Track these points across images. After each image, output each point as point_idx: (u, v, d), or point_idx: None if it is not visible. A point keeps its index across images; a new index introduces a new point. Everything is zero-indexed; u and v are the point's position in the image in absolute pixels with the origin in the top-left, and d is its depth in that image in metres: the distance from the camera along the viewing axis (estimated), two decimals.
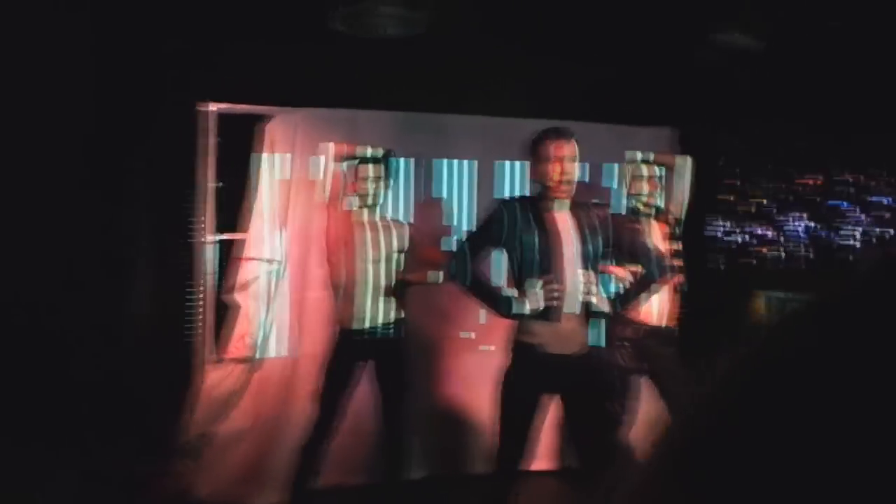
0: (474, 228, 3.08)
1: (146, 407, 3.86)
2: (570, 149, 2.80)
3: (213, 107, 3.88)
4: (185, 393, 3.83)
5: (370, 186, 3.31)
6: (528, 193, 3.13)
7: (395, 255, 3.35)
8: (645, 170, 3.55)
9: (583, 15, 3.79)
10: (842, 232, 4.36)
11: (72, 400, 3.52)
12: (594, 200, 3.66)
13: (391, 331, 3.32)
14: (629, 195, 3.65)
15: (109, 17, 3.65)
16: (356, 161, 3.37)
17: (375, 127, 3.96)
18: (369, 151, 3.35)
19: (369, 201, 3.33)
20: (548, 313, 2.75)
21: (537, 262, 2.77)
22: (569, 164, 2.78)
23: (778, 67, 4.03)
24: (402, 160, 3.96)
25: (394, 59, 3.87)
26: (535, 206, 2.85)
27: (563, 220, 2.84)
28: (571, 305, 2.77)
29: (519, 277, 2.83)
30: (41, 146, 3.39)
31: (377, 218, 3.39)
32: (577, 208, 2.89)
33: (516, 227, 2.80)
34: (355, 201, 3.40)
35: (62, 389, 3.42)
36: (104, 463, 3.60)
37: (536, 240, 2.77)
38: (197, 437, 3.82)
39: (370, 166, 3.32)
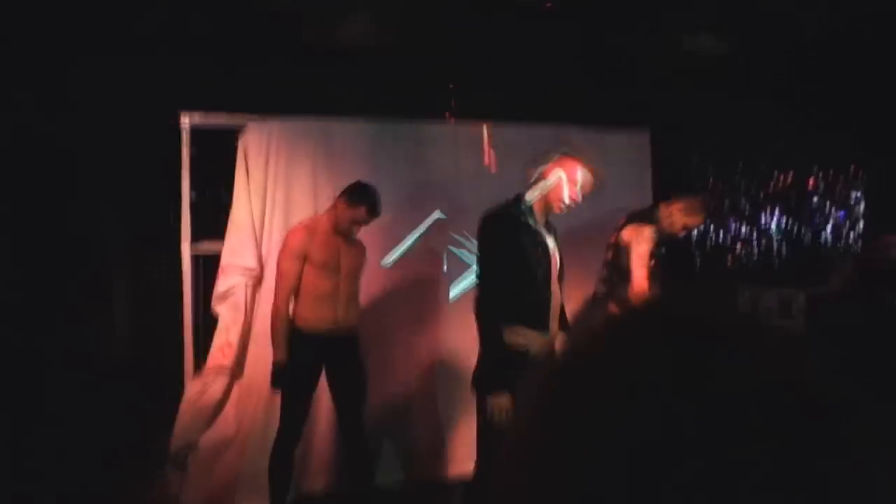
0: (494, 263, 2.72)
1: (129, 419, 3.88)
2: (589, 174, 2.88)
3: (187, 118, 3.89)
4: (168, 405, 3.85)
5: (354, 230, 3.36)
6: (504, 205, 3.00)
7: (351, 268, 3.39)
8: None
9: (552, 19, 3.81)
10: (813, 227, 4.40)
11: (55, 413, 3.54)
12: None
13: (344, 335, 3.34)
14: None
15: (90, 31, 3.66)
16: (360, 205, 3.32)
17: (349, 136, 3.98)
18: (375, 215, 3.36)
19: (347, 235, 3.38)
20: (537, 325, 2.74)
21: (534, 279, 2.73)
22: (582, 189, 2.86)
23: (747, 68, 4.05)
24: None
25: (365, 68, 3.89)
26: (526, 222, 2.78)
27: (547, 237, 2.85)
28: (554, 321, 2.80)
29: (518, 293, 2.71)
30: (26, 159, 3.40)
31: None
32: (549, 224, 2.90)
33: (518, 244, 2.72)
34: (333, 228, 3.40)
35: (43, 403, 3.45)
36: (92, 475, 3.62)
37: (533, 257, 2.74)
38: (182, 448, 3.84)
39: (365, 222, 3.35)
